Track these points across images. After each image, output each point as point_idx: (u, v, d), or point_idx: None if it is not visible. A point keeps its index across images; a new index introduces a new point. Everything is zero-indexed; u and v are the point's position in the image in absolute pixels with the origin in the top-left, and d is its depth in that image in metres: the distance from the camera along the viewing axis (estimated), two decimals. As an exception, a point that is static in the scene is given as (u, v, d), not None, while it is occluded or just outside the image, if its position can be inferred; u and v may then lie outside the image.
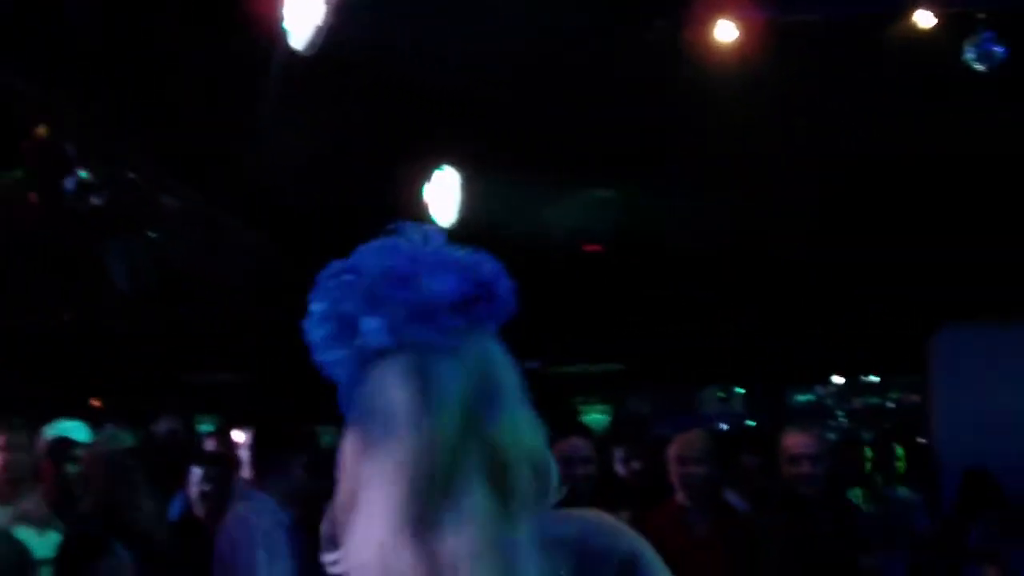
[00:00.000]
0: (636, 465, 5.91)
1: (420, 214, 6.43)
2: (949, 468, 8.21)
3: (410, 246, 1.44)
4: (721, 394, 13.54)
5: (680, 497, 4.86)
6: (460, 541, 1.31)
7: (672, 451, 4.92)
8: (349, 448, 1.40)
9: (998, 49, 5.40)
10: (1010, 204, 8.17)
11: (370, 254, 1.43)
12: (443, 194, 6.46)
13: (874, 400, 14.59)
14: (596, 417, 12.38)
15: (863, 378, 14.28)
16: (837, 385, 13.62)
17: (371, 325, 1.39)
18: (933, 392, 9.58)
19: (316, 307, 1.44)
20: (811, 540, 4.82)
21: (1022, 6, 5.59)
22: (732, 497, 5.46)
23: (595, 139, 6.81)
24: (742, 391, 13.70)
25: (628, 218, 7.85)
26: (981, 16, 5.44)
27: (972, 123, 6.65)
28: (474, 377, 1.41)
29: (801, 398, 13.86)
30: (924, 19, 5.62)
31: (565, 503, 4.20)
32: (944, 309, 9.72)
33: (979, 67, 5.44)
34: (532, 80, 6.08)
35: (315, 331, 1.44)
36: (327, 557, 1.41)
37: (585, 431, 5.54)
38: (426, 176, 6.41)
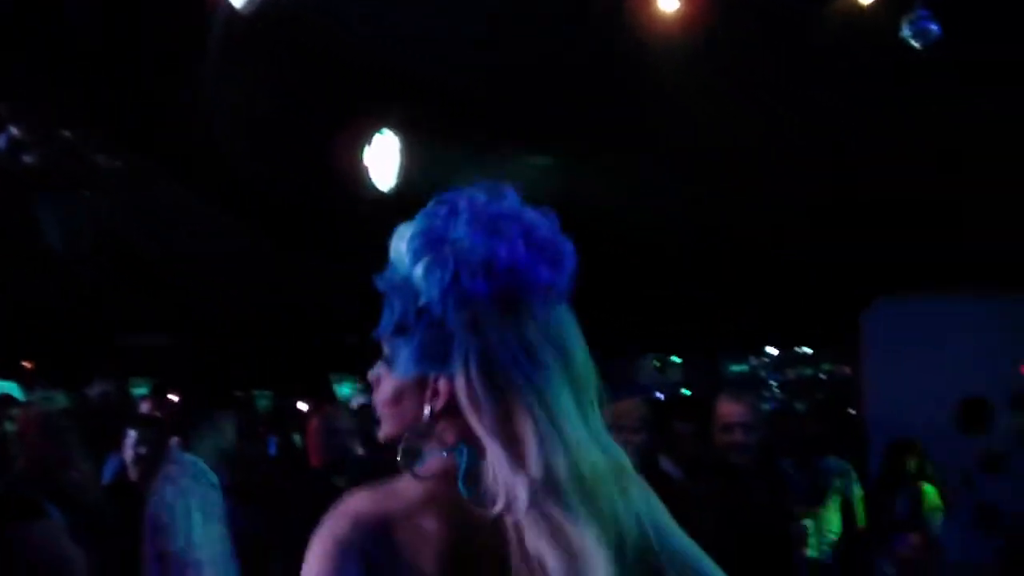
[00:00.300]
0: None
1: (359, 177, 6.39)
2: (878, 439, 8.38)
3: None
4: (657, 363, 13.66)
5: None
6: (602, 440, 1.66)
7: (608, 419, 4.96)
8: (479, 382, 1.59)
9: (933, 27, 5.46)
10: (943, 180, 8.31)
11: (499, 207, 1.64)
12: (383, 158, 6.41)
13: (807, 371, 14.81)
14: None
15: (796, 349, 14.48)
16: (771, 356, 13.78)
17: (532, 274, 1.62)
18: (864, 364, 9.76)
19: (466, 242, 1.61)
20: (744, 508, 4.88)
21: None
22: (666, 464, 5.52)
23: (534, 107, 6.81)
24: (678, 361, 13.83)
25: (566, 186, 7.87)
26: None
27: (907, 101, 6.75)
28: (567, 314, 1.68)
29: (735, 368, 14.00)
30: (862, -5, 5.66)
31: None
32: (877, 283, 9.88)
33: (915, 44, 5.50)
34: (472, 47, 6.05)
35: (443, 265, 1.60)
36: (412, 470, 1.65)
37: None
38: (366, 140, 6.37)
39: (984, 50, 6.11)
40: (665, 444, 5.64)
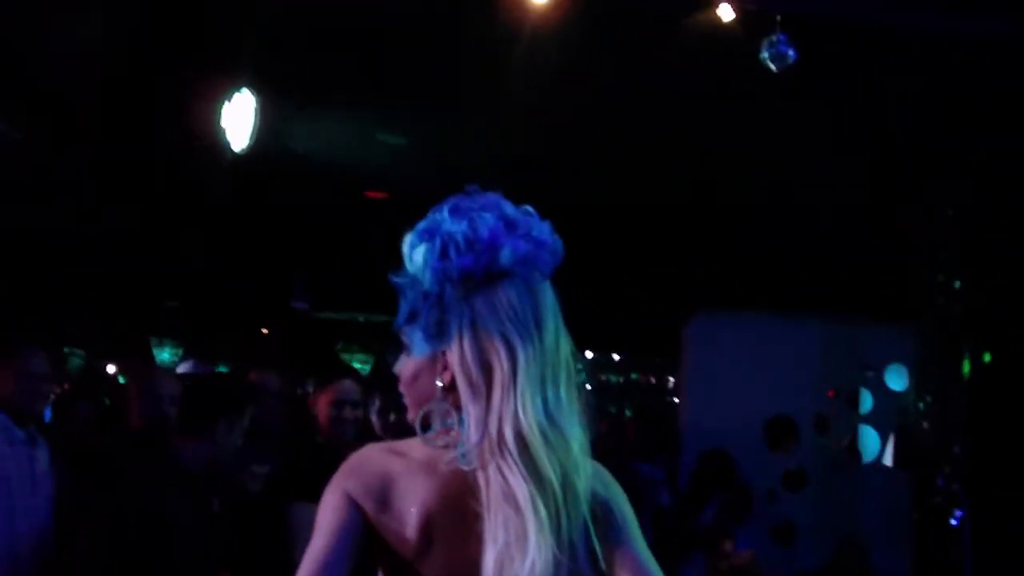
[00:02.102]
0: (392, 417, 5.88)
1: (214, 135, 6.20)
2: (690, 448, 8.60)
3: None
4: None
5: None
6: (560, 412, 1.86)
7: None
8: (469, 348, 1.85)
9: (790, 52, 5.63)
10: (773, 198, 8.59)
11: (481, 201, 1.93)
12: (239, 118, 6.24)
13: (615, 378, 15.15)
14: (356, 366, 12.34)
15: (612, 355, 14.74)
16: (587, 359, 13.98)
17: (509, 247, 1.87)
18: (683, 376, 9.99)
19: (452, 227, 1.88)
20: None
21: (816, 11, 5.84)
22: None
23: (392, 83, 6.75)
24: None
25: (418, 167, 7.83)
26: (777, 18, 5.65)
27: (758, 119, 6.94)
28: (548, 292, 1.95)
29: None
30: (726, 13, 5.78)
31: (331, 445, 4.17)
32: (699, 297, 10.14)
33: (772, 67, 5.67)
34: (337, 14, 5.95)
35: (434, 244, 1.87)
36: (425, 436, 1.92)
37: (356, 375, 5.46)
38: (225, 96, 6.19)
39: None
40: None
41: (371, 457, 1.98)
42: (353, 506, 1.92)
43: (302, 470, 4.70)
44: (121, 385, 9.40)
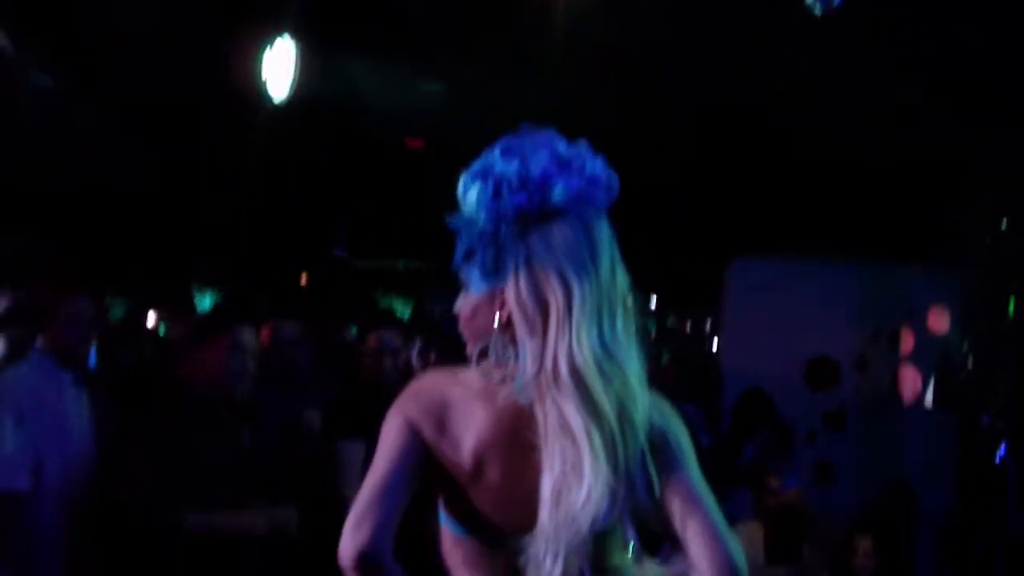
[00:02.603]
0: (432, 357, 5.94)
1: (256, 85, 6.22)
2: (731, 392, 8.61)
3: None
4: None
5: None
6: (617, 344, 1.90)
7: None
8: (524, 284, 1.89)
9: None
10: (815, 139, 8.51)
11: (533, 139, 1.95)
12: (280, 66, 6.24)
13: (653, 323, 15.07)
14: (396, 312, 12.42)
15: (650, 301, 14.67)
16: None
17: (562, 185, 1.90)
18: (725, 319, 9.96)
19: (504, 167, 1.91)
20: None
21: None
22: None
23: (430, 30, 6.73)
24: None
25: (453, 113, 7.82)
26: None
27: (800, 56, 6.87)
28: (603, 226, 1.97)
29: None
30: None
31: (372, 392, 4.25)
32: (739, 240, 10.09)
33: (816, 11, 5.59)
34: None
35: (487, 185, 1.91)
36: (482, 368, 1.97)
37: (395, 321, 5.53)
38: (266, 43, 6.19)
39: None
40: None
41: (431, 383, 2.03)
42: (412, 430, 1.96)
43: (348, 409, 4.82)
44: (162, 337, 9.53)
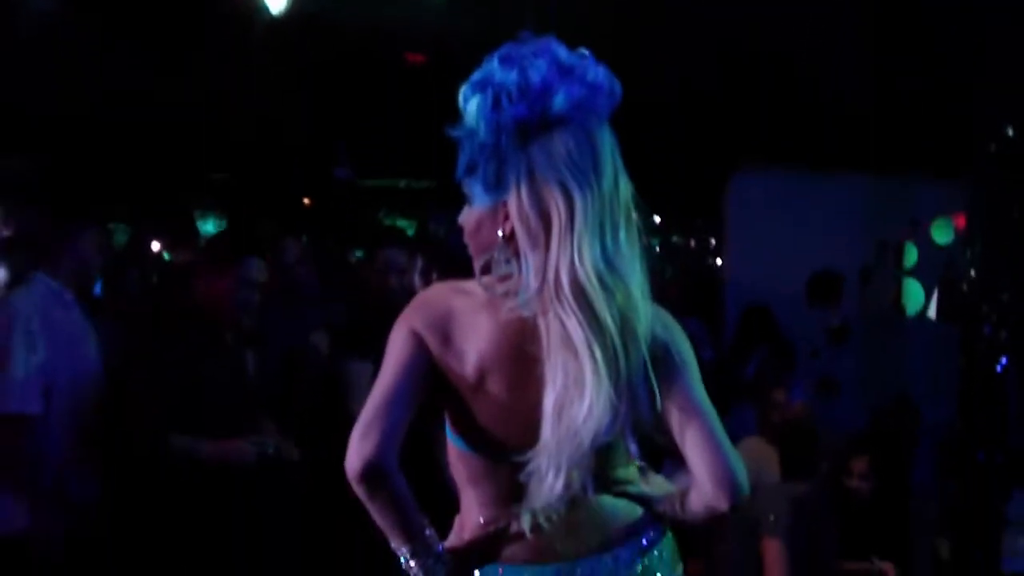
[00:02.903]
0: (434, 276, 5.92)
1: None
2: (734, 307, 8.62)
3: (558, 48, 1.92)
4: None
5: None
6: (619, 256, 1.89)
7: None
8: (526, 196, 1.87)
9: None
10: (817, 51, 8.41)
11: (533, 48, 1.91)
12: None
13: (656, 240, 15.04)
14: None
15: (653, 217, 14.61)
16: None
17: (563, 93, 1.86)
18: (727, 233, 9.95)
19: (503, 76, 1.87)
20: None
21: None
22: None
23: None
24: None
25: (455, 26, 7.72)
26: None
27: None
28: (607, 136, 1.94)
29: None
30: None
31: (379, 312, 4.24)
32: (742, 154, 10.02)
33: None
34: None
35: (487, 96, 1.87)
36: (487, 279, 1.96)
37: (403, 240, 5.48)
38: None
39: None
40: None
41: (436, 294, 2.04)
42: (418, 341, 1.97)
43: (356, 331, 4.85)
44: (167, 262, 9.50)
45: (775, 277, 8.50)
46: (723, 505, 1.97)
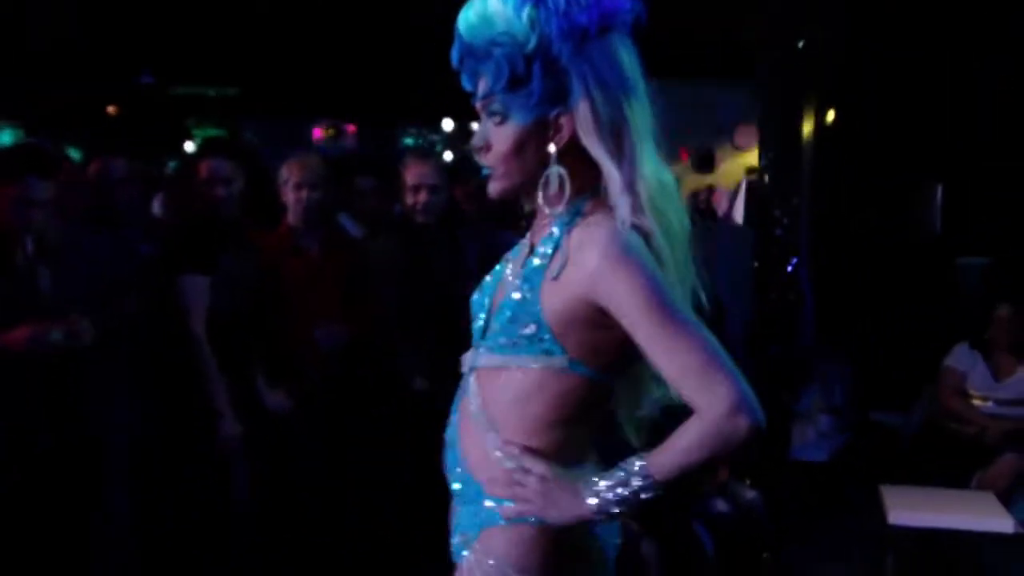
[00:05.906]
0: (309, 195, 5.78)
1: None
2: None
3: None
4: (331, 131, 13.48)
5: (292, 219, 4.87)
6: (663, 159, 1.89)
7: (285, 174, 4.89)
8: (600, 104, 1.82)
9: None
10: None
11: None
12: None
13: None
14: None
15: (471, 125, 14.60)
16: (447, 131, 13.79)
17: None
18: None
19: None
20: (423, 267, 5.03)
21: None
22: (347, 221, 5.54)
23: None
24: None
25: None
26: None
27: None
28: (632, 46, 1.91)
29: (409, 140, 13.99)
30: None
31: (208, 224, 4.16)
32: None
33: None
34: None
35: (547, 6, 1.80)
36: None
37: (231, 151, 5.28)
38: None
39: None
40: (345, 201, 5.62)
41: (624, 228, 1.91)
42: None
43: (186, 244, 4.75)
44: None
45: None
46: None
